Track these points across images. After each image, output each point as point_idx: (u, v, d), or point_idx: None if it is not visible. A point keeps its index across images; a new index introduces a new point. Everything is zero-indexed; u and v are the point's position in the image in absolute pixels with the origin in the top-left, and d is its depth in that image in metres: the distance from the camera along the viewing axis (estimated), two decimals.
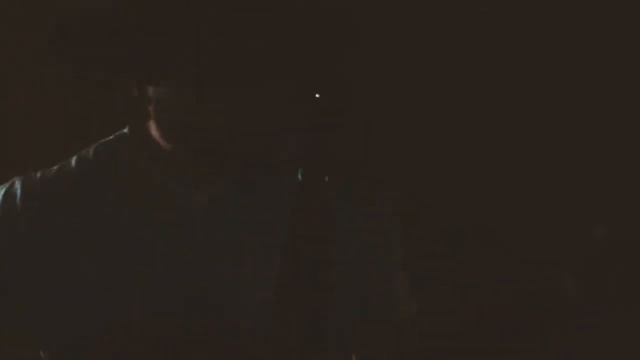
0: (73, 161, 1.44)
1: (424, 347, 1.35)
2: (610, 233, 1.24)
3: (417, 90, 2.33)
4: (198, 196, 1.39)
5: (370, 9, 2.17)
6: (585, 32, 2.31)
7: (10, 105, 2.31)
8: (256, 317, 1.34)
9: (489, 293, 1.24)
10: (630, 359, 2.24)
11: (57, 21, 1.32)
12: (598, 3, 2.30)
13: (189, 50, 1.29)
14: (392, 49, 2.28)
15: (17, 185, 1.40)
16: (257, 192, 1.42)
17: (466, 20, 2.32)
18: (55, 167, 1.43)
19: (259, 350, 1.35)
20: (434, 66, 2.31)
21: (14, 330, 1.43)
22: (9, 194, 1.40)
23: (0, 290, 1.38)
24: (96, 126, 2.24)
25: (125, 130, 1.45)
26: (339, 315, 1.39)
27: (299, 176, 1.33)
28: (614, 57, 2.31)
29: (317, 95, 1.33)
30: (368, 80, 2.20)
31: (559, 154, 2.33)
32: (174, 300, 1.36)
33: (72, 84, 2.30)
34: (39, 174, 1.42)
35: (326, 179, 1.34)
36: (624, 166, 2.30)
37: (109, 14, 1.32)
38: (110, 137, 1.45)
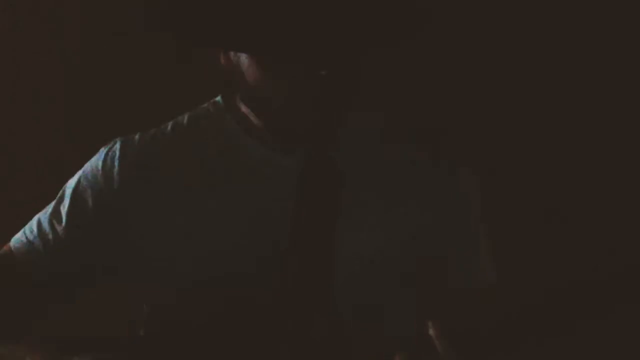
0: (169, 126, 1.53)
1: (502, 318, 1.33)
2: None
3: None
4: (280, 161, 1.47)
5: None
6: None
7: (10, 105, 2.31)
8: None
9: (567, 273, 1.23)
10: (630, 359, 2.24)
11: None
12: None
13: (265, 22, 1.34)
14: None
15: (117, 146, 1.51)
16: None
17: None
18: (152, 131, 1.53)
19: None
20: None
21: (117, 282, 1.53)
22: (110, 153, 1.51)
23: (101, 244, 1.48)
24: (96, 126, 2.25)
25: (218, 98, 1.54)
26: (409, 279, 1.46)
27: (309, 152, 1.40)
28: None
29: (322, 73, 1.35)
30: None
31: None
32: (254, 258, 1.44)
33: (72, 84, 2.30)
34: (137, 137, 1.52)
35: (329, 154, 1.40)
36: None
37: None
38: (204, 105, 1.55)
